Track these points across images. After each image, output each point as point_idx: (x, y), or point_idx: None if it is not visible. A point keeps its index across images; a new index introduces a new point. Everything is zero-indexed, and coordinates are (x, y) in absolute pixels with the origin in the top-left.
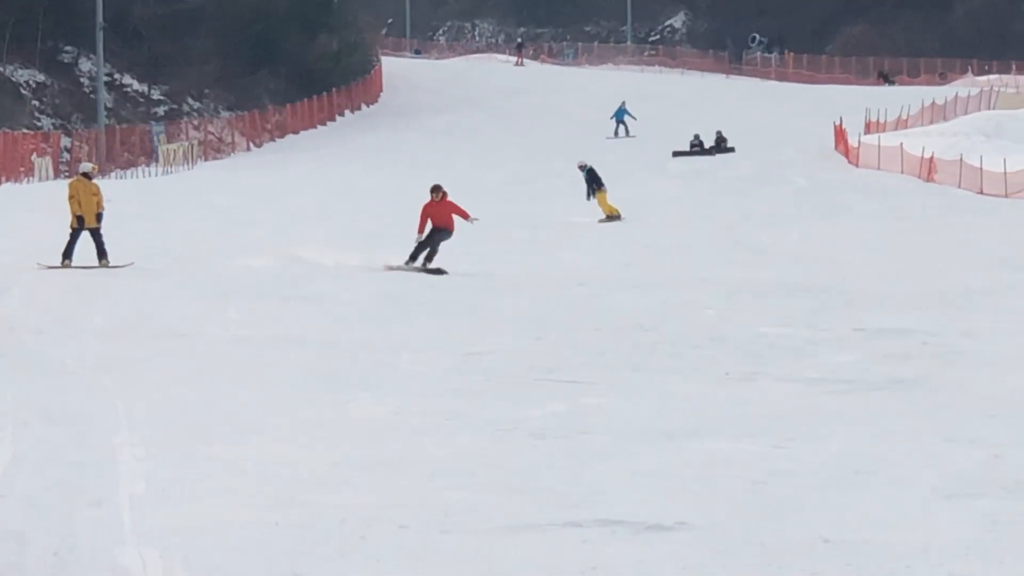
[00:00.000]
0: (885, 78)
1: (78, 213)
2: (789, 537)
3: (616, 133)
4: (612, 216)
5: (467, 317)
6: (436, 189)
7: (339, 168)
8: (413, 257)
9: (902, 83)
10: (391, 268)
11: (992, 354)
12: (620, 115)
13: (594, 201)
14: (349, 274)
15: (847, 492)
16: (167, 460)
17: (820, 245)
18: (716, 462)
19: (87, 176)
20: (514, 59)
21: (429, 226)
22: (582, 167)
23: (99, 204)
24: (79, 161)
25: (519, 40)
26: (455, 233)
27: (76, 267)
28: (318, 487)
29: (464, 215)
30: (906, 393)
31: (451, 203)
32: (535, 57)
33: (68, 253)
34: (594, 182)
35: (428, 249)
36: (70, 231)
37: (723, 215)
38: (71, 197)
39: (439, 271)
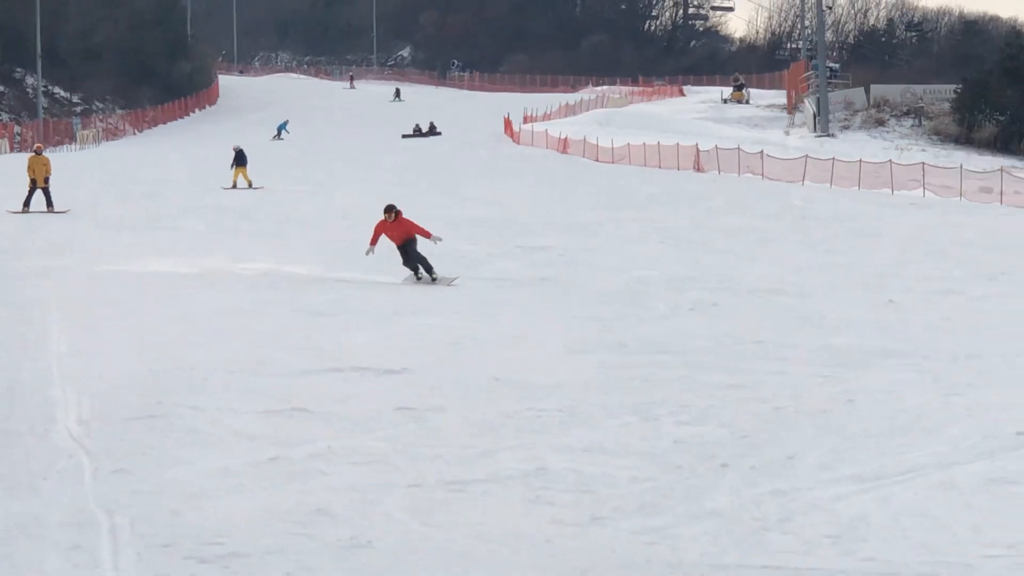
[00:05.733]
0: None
1: (32, 177)
2: (476, 377)
3: (276, 136)
4: (238, 186)
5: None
6: (389, 209)
7: (192, 146)
8: (418, 274)
9: (546, 91)
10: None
11: (601, 263)
12: (281, 127)
13: (232, 171)
14: (197, 205)
15: (509, 348)
16: (82, 331)
17: (496, 194)
18: (429, 330)
19: (37, 152)
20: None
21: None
22: (235, 148)
23: (47, 170)
24: (27, 143)
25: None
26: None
27: (32, 211)
28: (180, 347)
29: (425, 234)
30: (548, 286)
31: (408, 221)
32: (316, 75)
33: (26, 203)
34: (238, 159)
35: (416, 264)
36: (28, 189)
37: (435, 176)
38: (28, 167)
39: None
